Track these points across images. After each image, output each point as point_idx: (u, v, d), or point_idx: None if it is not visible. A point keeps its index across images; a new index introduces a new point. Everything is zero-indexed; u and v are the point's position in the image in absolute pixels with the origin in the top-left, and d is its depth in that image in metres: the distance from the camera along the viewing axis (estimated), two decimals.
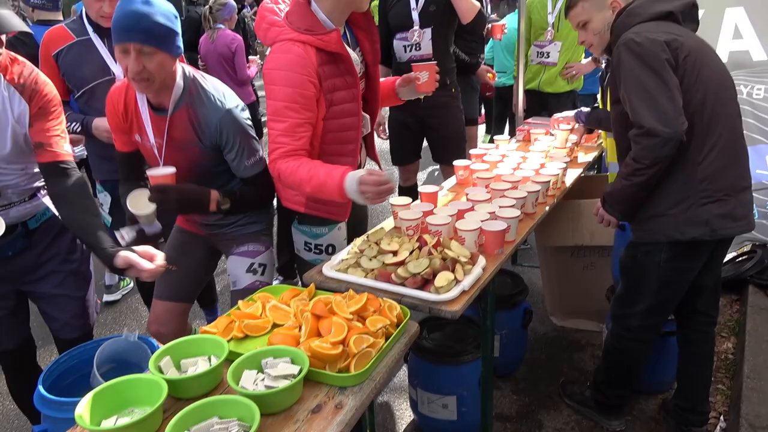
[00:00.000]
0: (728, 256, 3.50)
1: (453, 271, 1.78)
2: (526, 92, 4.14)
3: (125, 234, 1.92)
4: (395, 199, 2.28)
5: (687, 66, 1.87)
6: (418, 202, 2.35)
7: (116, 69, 2.46)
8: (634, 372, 2.34)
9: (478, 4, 3.32)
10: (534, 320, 3.03)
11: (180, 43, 1.84)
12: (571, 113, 3.08)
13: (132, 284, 3.89)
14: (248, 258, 2.18)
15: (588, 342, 3.09)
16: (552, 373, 2.85)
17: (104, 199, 2.65)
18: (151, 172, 1.91)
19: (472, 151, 3.03)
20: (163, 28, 1.75)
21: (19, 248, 1.96)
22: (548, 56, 4.14)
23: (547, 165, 2.74)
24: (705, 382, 2.33)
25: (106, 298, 3.70)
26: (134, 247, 1.69)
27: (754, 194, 3.49)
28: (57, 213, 1.93)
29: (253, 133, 2.02)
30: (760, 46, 3.31)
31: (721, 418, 2.46)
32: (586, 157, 3.16)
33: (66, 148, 1.85)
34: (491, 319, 2.07)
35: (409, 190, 3.91)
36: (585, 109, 2.95)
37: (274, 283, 3.50)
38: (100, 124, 2.43)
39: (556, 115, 3.17)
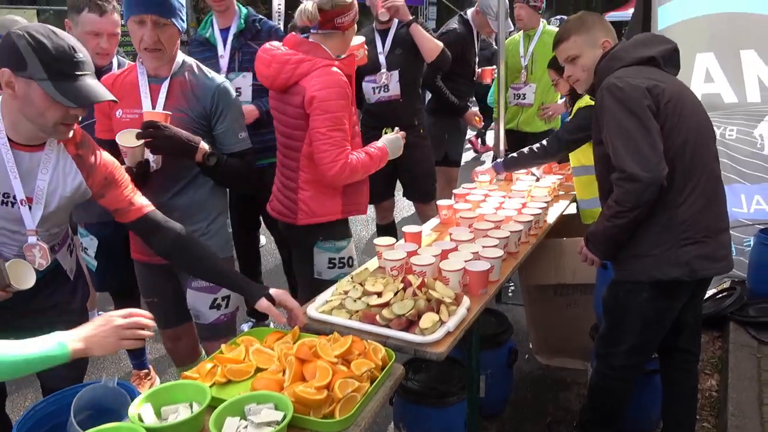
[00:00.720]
0: (708, 293, 3.54)
1: (438, 312, 1.78)
2: (507, 132, 4.24)
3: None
4: (379, 240, 2.29)
5: (668, 111, 1.91)
6: (402, 242, 2.36)
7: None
8: (618, 411, 2.33)
9: (440, 44, 3.46)
10: (519, 359, 3.02)
11: (185, 18, 2.00)
12: (490, 166, 3.21)
13: None
14: (209, 294, 2.14)
15: (573, 381, 3.08)
16: (538, 413, 2.82)
17: (89, 243, 2.60)
18: (146, 111, 1.93)
19: (455, 191, 3.07)
20: (177, 2, 1.92)
21: (23, 298, 1.79)
22: (524, 98, 4.30)
23: (529, 204, 2.79)
24: (690, 420, 2.33)
25: None
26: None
27: (731, 232, 3.59)
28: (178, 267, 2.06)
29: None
30: (730, 89, 3.44)
31: None
32: (567, 194, 3.21)
33: (144, 200, 1.83)
34: (476, 360, 2.07)
35: (387, 228, 3.95)
36: (499, 160, 3.13)
37: (244, 327, 3.47)
38: None
39: (477, 169, 3.29)
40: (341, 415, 1.33)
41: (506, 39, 4.16)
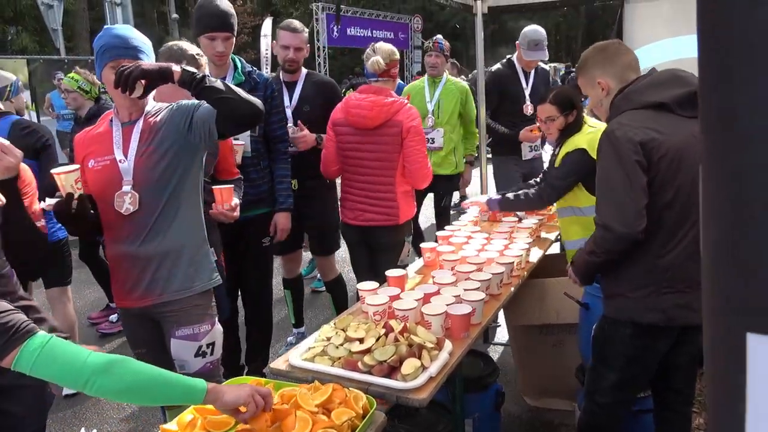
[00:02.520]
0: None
1: (420, 357, 1.79)
2: None
3: (48, 200, 1.96)
4: (362, 285, 2.30)
5: (661, 166, 1.91)
6: (385, 286, 2.37)
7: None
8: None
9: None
10: (508, 400, 3.00)
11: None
12: (482, 198, 3.21)
13: None
14: (194, 342, 2.13)
15: (561, 422, 3.06)
16: None
17: None
18: (55, 170, 1.94)
19: (438, 233, 3.10)
20: (143, 45, 2.08)
21: None
22: (433, 142, 4.34)
23: (511, 246, 2.82)
24: None
25: (66, 391, 3.53)
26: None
27: None
28: None
29: None
30: None
31: None
32: (548, 235, 3.25)
33: None
34: (460, 404, 2.06)
35: (295, 281, 3.90)
36: (495, 197, 3.08)
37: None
38: None
39: (467, 201, 3.39)
40: None
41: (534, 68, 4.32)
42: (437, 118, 4.37)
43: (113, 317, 4.41)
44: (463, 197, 7.79)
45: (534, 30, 4.21)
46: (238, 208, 2.46)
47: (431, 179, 3.11)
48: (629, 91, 2.02)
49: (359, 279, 3.18)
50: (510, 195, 3.02)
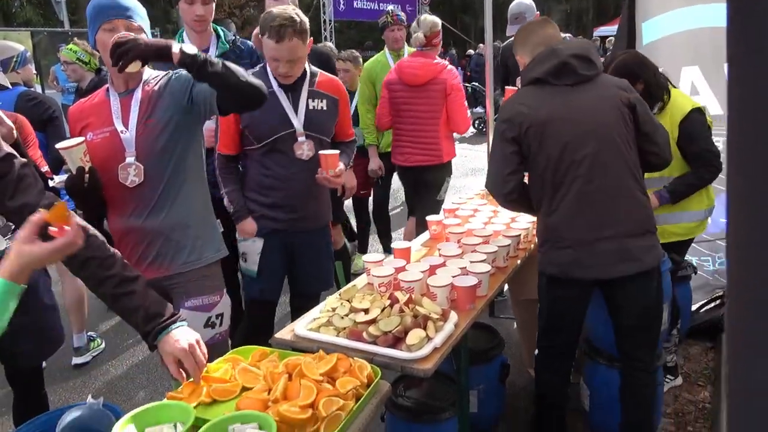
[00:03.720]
0: (698, 303, 3.55)
1: (425, 328, 1.78)
2: (387, 155, 4.19)
3: (57, 178, 1.96)
4: (368, 256, 2.29)
5: (529, 136, 2.14)
6: (391, 258, 2.37)
7: (296, 122, 2.50)
8: (544, 394, 2.48)
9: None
10: (513, 373, 3.01)
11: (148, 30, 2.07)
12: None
13: (103, 345, 3.79)
14: (204, 312, 2.13)
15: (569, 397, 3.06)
16: (531, 427, 2.80)
17: (250, 247, 2.61)
18: (60, 144, 1.90)
19: (444, 206, 3.08)
20: (142, 9, 2.05)
21: None
22: None
23: (518, 219, 2.80)
24: (643, 428, 2.34)
25: (75, 360, 3.59)
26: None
27: (720, 243, 3.60)
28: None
29: None
30: (716, 102, 3.47)
31: None
32: None
33: None
34: (465, 375, 2.06)
35: (341, 252, 4.00)
36: (663, 194, 2.78)
37: None
38: (247, 225, 2.56)
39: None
40: None
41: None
42: None
43: None
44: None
45: (517, 3, 4.15)
46: (344, 174, 2.49)
47: (469, 126, 3.91)
48: (524, 70, 2.27)
49: (410, 214, 4.04)
50: (672, 186, 2.77)
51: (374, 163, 4.27)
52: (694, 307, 3.51)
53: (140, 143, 2.01)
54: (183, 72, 2.02)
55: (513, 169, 2.20)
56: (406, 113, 3.73)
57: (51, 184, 1.93)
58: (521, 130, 2.15)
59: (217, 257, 2.20)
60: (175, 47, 1.85)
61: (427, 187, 3.81)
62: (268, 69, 2.51)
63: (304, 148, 2.50)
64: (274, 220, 2.55)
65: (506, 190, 2.23)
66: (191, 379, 1.54)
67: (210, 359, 2.11)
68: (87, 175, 1.92)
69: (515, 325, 3.59)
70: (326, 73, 2.65)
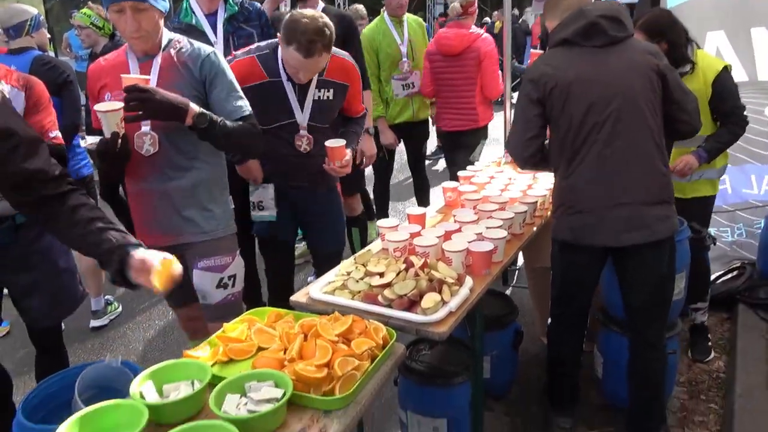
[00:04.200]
0: (716, 274, 3.51)
1: (440, 292, 1.77)
2: (400, 126, 4.15)
3: (89, 139, 1.96)
4: (382, 221, 2.28)
5: (553, 98, 2.12)
6: (406, 223, 2.35)
7: (299, 117, 2.46)
8: (557, 362, 2.49)
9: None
10: (526, 341, 3.01)
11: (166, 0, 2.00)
12: (688, 157, 2.75)
13: (120, 309, 3.85)
14: (216, 273, 2.14)
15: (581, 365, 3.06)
16: (544, 395, 2.82)
17: (263, 193, 2.57)
18: (99, 107, 1.88)
19: (459, 173, 3.05)
20: None
21: (6, 242, 2.11)
22: (413, 86, 4.11)
23: (534, 186, 2.76)
24: (650, 403, 2.31)
25: (93, 323, 3.65)
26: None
27: (740, 213, 3.54)
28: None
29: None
30: (741, 67, 3.37)
31: None
32: None
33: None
34: (480, 341, 2.06)
35: (358, 219, 3.94)
36: (702, 153, 2.72)
37: None
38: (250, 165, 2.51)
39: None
40: (341, 392, 1.34)
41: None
42: (413, 60, 4.11)
43: None
44: (440, 147, 7.57)
45: None
46: (351, 163, 2.45)
47: (500, 91, 3.95)
48: (552, 32, 2.24)
49: (452, 177, 3.86)
50: (709, 145, 2.72)
51: (386, 137, 4.12)
52: (711, 278, 3.47)
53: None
54: (214, 59, 2.03)
55: (535, 133, 2.19)
56: (445, 82, 3.96)
57: (82, 144, 1.95)
58: (546, 90, 2.11)
59: (228, 232, 2.21)
60: (189, 116, 1.89)
61: (463, 150, 3.99)
62: (279, 54, 2.38)
63: (303, 142, 2.48)
64: (276, 181, 2.56)
65: (527, 153, 2.24)
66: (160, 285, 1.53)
67: (223, 320, 2.14)
68: (120, 141, 1.92)
69: (528, 294, 3.58)
70: (339, 54, 2.49)
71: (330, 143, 2.40)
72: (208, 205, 2.12)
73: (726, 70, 2.68)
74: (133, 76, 1.91)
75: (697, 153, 2.70)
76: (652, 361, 2.27)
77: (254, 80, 2.36)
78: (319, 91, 2.47)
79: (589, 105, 2.07)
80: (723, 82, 2.66)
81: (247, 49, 2.45)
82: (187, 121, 1.90)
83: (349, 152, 2.45)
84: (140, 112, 1.84)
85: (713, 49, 3.42)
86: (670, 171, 2.19)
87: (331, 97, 2.50)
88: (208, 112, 1.94)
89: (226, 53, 2.87)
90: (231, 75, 2.09)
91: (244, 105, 2.08)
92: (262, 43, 2.47)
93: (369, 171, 4.11)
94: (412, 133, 4.28)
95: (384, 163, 4.35)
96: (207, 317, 2.26)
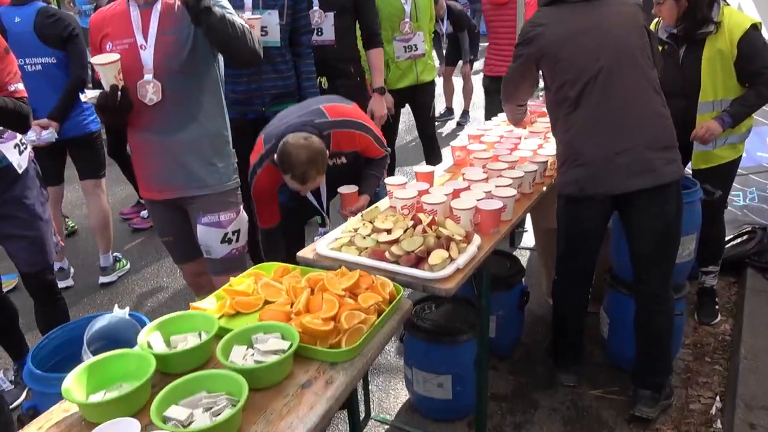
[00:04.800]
0: (726, 238, 3.47)
1: (448, 249, 1.76)
2: (403, 91, 3.89)
3: (89, 93, 1.97)
4: (390, 179, 2.25)
5: (547, 54, 2.16)
6: (414, 181, 2.32)
7: (324, 204, 2.48)
8: (562, 319, 2.53)
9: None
10: (532, 302, 3.02)
11: None
12: (711, 124, 2.64)
13: (128, 266, 3.88)
14: (220, 229, 2.15)
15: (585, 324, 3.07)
16: (548, 355, 2.83)
17: None
18: (95, 60, 1.87)
19: (469, 132, 3.00)
20: None
21: None
22: (416, 48, 3.84)
23: (545, 146, 2.72)
24: (656, 360, 2.32)
25: (102, 279, 3.69)
26: None
27: (753, 177, 3.48)
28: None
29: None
30: (764, 27, 3.26)
31: (717, 398, 2.46)
32: None
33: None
34: (486, 299, 2.06)
35: None
36: (725, 118, 2.60)
37: None
38: None
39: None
40: (347, 345, 1.34)
41: None
42: (415, 21, 3.81)
43: (144, 213, 4.50)
44: (449, 108, 7.43)
45: None
46: (364, 207, 2.35)
47: None
48: None
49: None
50: (734, 109, 2.61)
51: (386, 100, 3.80)
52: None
53: (158, 60, 1.98)
54: None
55: (527, 91, 2.39)
56: (495, 29, 4.13)
57: (83, 98, 1.93)
58: (539, 48, 2.16)
59: (231, 186, 2.20)
60: None
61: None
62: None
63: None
64: None
65: (519, 114, 2.49)
66: None
67: (227, 274, 2.16)
68: (120, 94, 1.90)
69: (535, 256, 3.57)
70: (339, 127, 2.31)
71: (342, 190, 2.37)
72: (211, 159, 2.12)
73: (755, 27, 2.56)
74: (104, 60, 1.87)
75: (721, 118, 2.61)
76: (658, 313, 2.27)
77: (281, 181, 2.25)
78: (331, 159, 2.38)
79: (582, 57, 2.09)
80: (750, 40, 2.53)
81: (258, 156, 2.26)
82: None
83: (362, 202, 2.36)
84: None
85: (735, 5, 3.31)
86: (671, 115, 2.19)
87: (345, 161, 2.43)
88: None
89: (254, 5, 2.73)
90: (227, 5, 2.05)
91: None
92: (267, 144, 2.22)
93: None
94: (417, 96, 4.03)
95: (388, 124, 4.06)
96: (211, 271, 2.27)
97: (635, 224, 2.20)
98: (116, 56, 1.89)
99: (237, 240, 2.18)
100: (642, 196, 2.12)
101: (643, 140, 2.09)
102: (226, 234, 2.14)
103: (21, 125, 2.15)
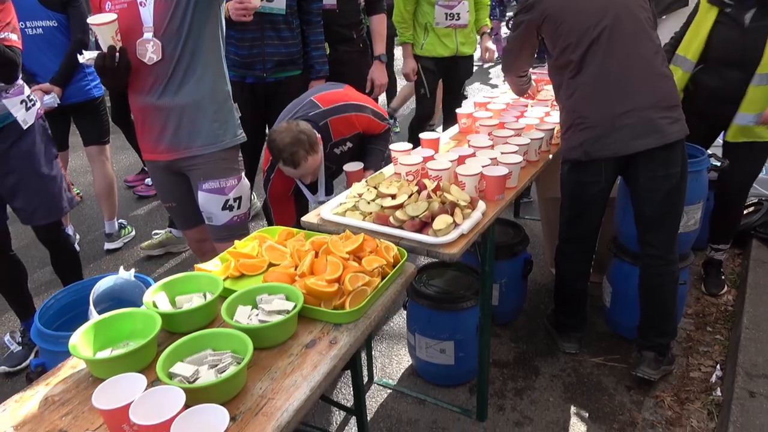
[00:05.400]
0: None
1: (452, 214, 1.76)
2: (434, 60, 3.65)
3: (87, 54, 1.95)
4: (395, 145, 2.24)
5: (550, 19, 2.16)
6: (419, 148, 2.31)
7: (321, 196, 2.45)
8: (564, 287, 2.54)
9: None
10: (535, 271, 3.03)
11: None
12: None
13: (133, 232, 3.89)
14: (221, 196, 2.15)
15: (588, 293, 3.08)
16: (550, 323, 2.85)
17: None
18: (92, 20, 1.85)
19: (475, 99, 2.97)
20: None
21: None
22: (458, 17, 3.52)
23: (552, 113, 2.69)
24: (661, 322, 2.33)
25: (107, 246, 3.71)
26: None
27: None
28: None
29: None
30: None
31: (718, 366, 2.47)
32: None
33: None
34: (490, 265, 2.06)
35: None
36: None
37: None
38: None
39: None
40: (351, 307, 1.34)
41: None
42: None
43: (148, 180, 4.50)
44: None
45: None
46: (373, 70, 2.46)
47: None
48: None
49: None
50: None
51: (407, 65, 3.67)
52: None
53: (158, 19, 1.95)
54: None
55: (529, 51, 2.37)
56: None
57: (81, 60, 1.90)
58: (540, 12, 2.15)
59: (235, 142, 2.19)
60: None
61: None
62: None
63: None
64: None
65: (518, 72, 2.50)
66: None
67: (229, 240, 2.16)
68: (118, 55, 1.88)
69: (539, 226, 3.57)
70: (333, 114, 2.34)
71: (348, 167, 2.39)
72: (213, 117, 2.10)
73: None
74: (100, 21, 1.85)
75: None
76: (662, 275, 2.27)
77: (293, 180, 2.38)
78: (337, 148, 2.41)
79: (584, 19, 2.09)
80: None
81: (269, 162, 2.30)
82: None
83: (369, 175, 2.33)
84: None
85: None
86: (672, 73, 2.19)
87: (350, 146, 2.44)
88: None
89: None
90: None
91: None
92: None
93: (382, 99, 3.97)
94: (452, 69, 3.72)
95: (425, 100, 3.79)
96: (214, 238, 2.27)
97: (641, 185, 2.20)
98: (113, 16, 1.87)
99: (239, 207, 2.18)
100: (647, 157, 2.11)
101: (647, 101, 2.08)
102: (227, 201, 2.14)
103: (6, 72, 2.19)
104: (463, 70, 3.76)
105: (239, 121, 2.24)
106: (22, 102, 2.29)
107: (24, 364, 2.59)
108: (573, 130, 2.19)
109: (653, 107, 2.08)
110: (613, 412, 2.28)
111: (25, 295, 2.65)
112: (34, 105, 2.38)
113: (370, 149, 2.51)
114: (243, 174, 2.24)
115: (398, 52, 4.49)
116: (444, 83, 3.83)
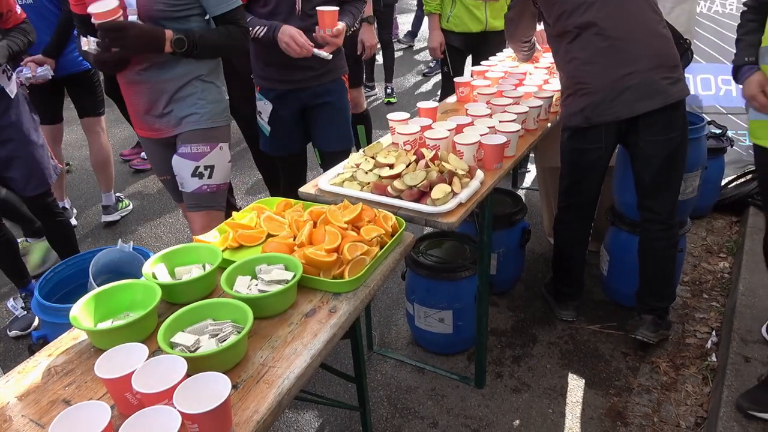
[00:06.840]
0: (729, 178, 3.46)
1: (450, 183, 1.75)
2: (461, 35, 3.45)
3: (84, 41, 1.90)
4: (392, 115, 2.22)
5: None
6: (416, 117, 2.29)
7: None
8: (562, 254, 2.56)
9: None
10: (532, 241, 3.04)
11: None
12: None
13: (130, 206, 3.88)
14: (191, 161, 2.08)
15: (587, 261, 3.10)
16: (548, 292, 2.87)
17: (263, 107, 2.51)
18: (93, 9, 1.79)
19: (473, 68, 2.94)
20: None
21: None
22: None
23: (551, 81, 2.67)
24: (659, 285, 2.35)
25: (105, 218, 3.70)
26: None
27: None
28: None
29: None
30: None
31: (713, 332, 2.50)
32: None
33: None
34: (488, 235, 2.06)
35: (363, 116, 3.69)
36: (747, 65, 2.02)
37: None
38: (287, 30, 2.23)
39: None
40: (350, 276, 1.35)
41: None
42: None
43: (144, 154, 4.47)
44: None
45: None
46: (343, 34, 2.27)
47: None
48: None
49: None
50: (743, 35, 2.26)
51: (433, 39, 3.45)
52: (723, 182, 3.44)
53: (141, 5, 1.90)
54: None
55: (528, 18, 2.40)
56: None
57: (83, 47, 1.85)
58: None
59: (221, 124, 2.15)
60: (168, 36, 1.83)
61: None
62: None
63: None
64: (283, 82, 2.44)
65: (510, 30, 2.54)
66: None
67: (198, 209, 2.12)
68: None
69: (538, 196, 3.57)
70: None
71: (322, 8, 2.21)
72: (202, 94, 2.06)
73: None
74: (102, 10, 1.79)
75: None
76: (662, 239, 2.28)
77: None
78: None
79: None
80: None
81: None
82: (166, 48, 1.87)
83: (342, 25, 2.27)
84: (117, 49, 1.83)
85: None
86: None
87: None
88: (184, 35, 1.88)
89: None
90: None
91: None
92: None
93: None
94: (480, 46, 3.47)
95: (449, 80, 3.49)
96: (186, 206, 2.21)
97: (642, 150, 2.19)
98: (115, 4, 1.81)
99: (210, 176, 2.11)
100: (649, 120, 2.10)
101: (647, 62, 2.06)
102: (197, 167, 2.08)
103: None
104: (491, 47, 3.45)
105: (228, 104, 2.20)
106: (3, 71, 2.33)
107: (34, 325, 2.65)
108: (573, 97, 2.18)
109: (654, 68, 2.06)
110: (609, 378, 2.32)
111: (19, 264, 2.71)
112: (12, 74, 2.43)
113: (345, 9, 2.42)
114: (222, 144, 2.16)
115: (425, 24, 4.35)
116: (474, 61, 3.53)
